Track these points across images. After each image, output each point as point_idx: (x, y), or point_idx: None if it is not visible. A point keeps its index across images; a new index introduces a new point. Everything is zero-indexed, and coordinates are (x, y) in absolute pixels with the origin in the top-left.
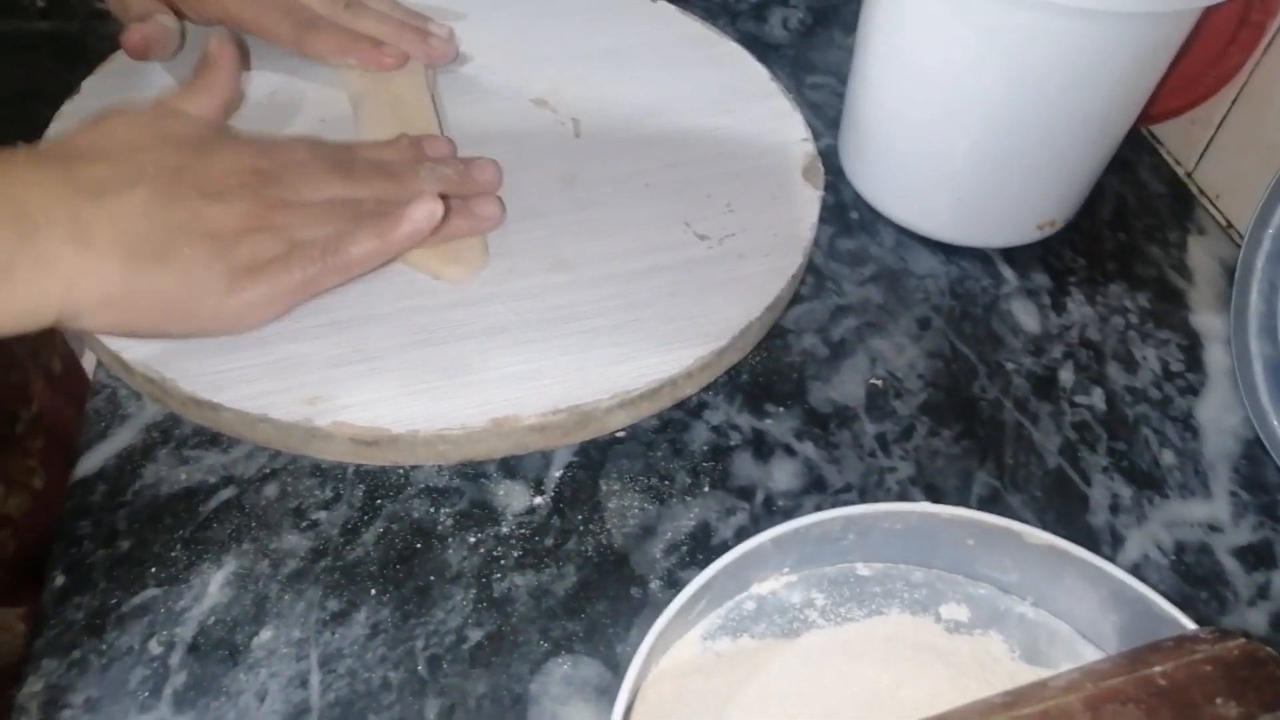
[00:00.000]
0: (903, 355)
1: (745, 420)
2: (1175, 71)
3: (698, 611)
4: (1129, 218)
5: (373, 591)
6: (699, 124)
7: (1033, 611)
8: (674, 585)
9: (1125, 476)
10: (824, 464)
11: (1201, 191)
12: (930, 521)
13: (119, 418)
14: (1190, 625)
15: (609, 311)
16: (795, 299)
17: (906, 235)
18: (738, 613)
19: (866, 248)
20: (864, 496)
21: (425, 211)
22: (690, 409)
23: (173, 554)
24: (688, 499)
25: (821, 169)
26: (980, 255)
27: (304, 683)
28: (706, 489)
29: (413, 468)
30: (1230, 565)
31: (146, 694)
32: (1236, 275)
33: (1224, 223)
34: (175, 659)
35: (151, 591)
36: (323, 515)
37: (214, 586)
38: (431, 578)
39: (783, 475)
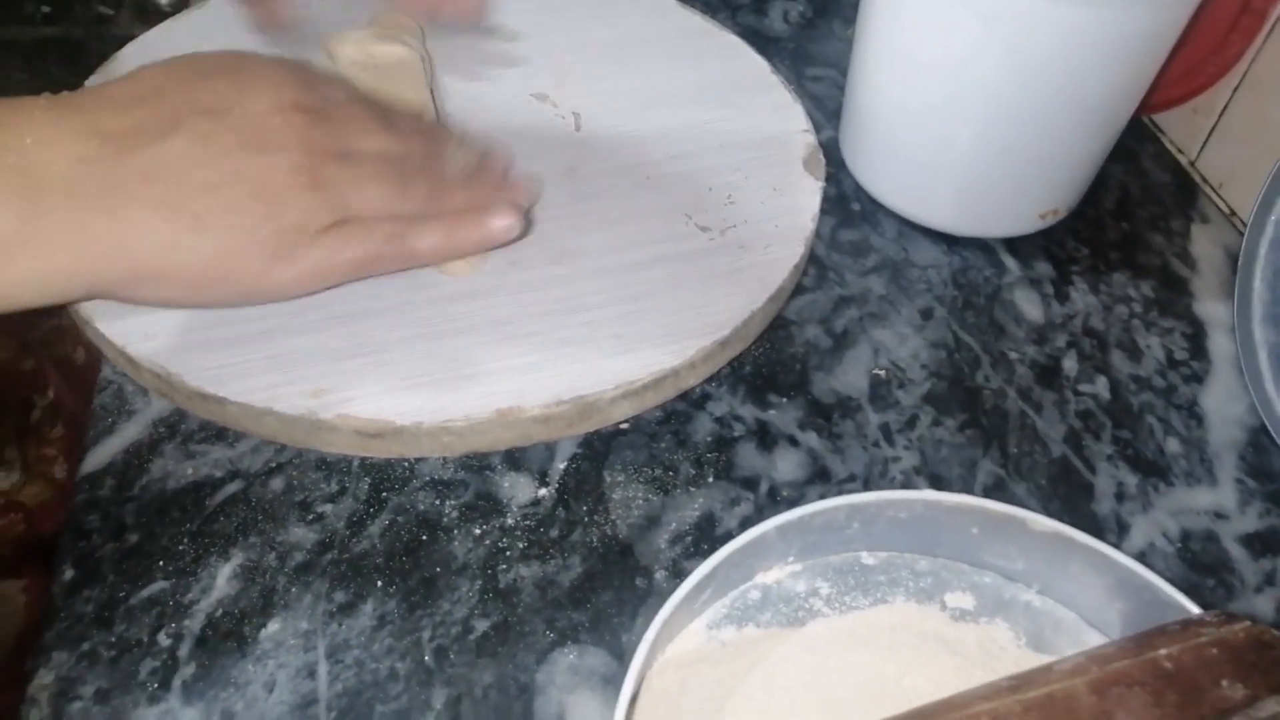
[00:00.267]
0: (906, 345)
1: (749, 411)
2: (1177, 59)
3: (702, 601)
4: (1132, 206)
5: (379, 583)
6: (700, 116)
7: (1038, 599)
8: (679, 575)
9: (1130, 464)
10: (828, 454)
11: (1205, 180)
12: (935, 509)
13: (126, 413)
14: (1196, 611)
15: (611, 303)
16: (798, 290)
17: (908, 226)
18: (743, 602)
19: (868, 239)
20: (868, 486)
21: (504, 225)
22: (694, 400)
23: (180, 547)
24: (692, 490)
25: (823, 160)
26: (982, 245)
27: (312, 673)
28: (711, 480)
29: (418, 460)
30: (1237, 552)
31: (156, 685)
32: (1240, 262)
33: (1227, 210)
34: (184, 650)
35: (160, 584)
36: (329, 508)
37: (221, 579)
38: (437, 569)
39: (787, 466)
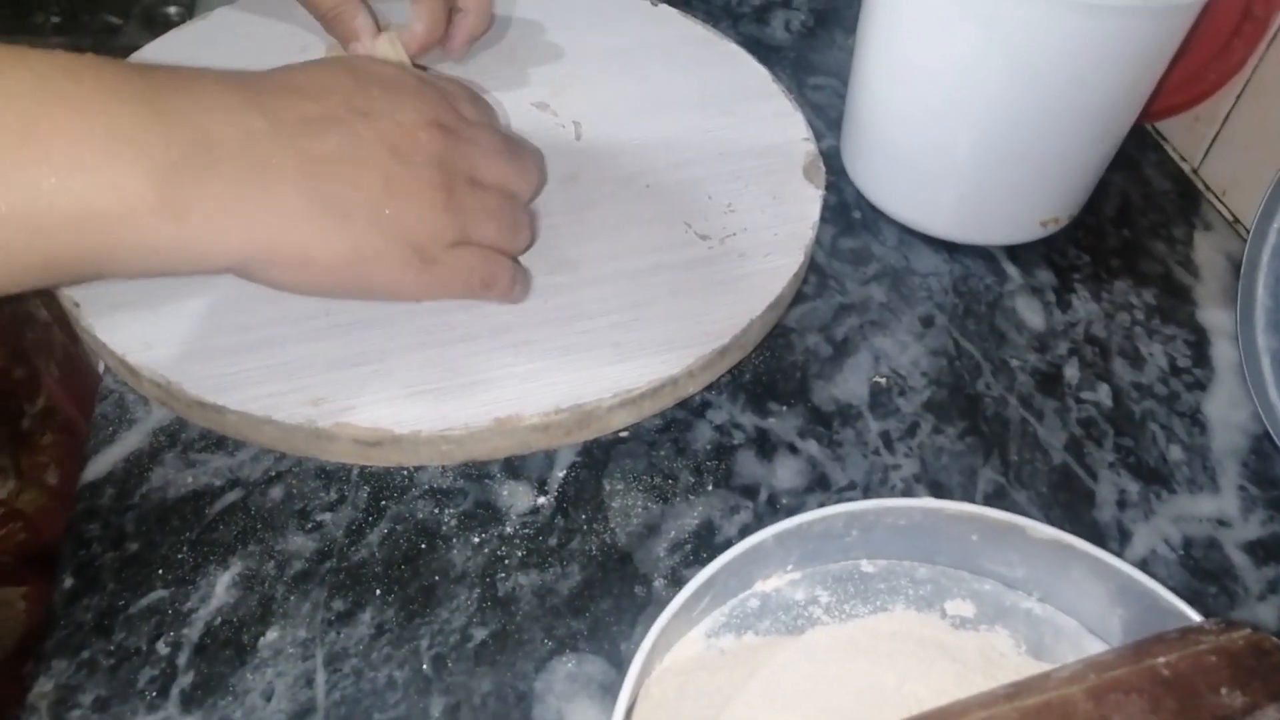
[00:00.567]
0: (906, 353)
1: (748, 419)
2: (1178, 67)
3: (701, 609)
4: (1134, 214)
5: (378, 592)
6: (700, 125)
7: (1039, 607)
8: (678, 583)
9: (1132, 472)
10: (828, 462)
11: (1207, 187)
12: (934, 517)
13: (126, 422)
14: (1198, 619)
15: (611, 311)
16: (798, 298)
17: (909, 234)
18: (741, 610)
19: (869, 247)
20: (868, 494)
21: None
22: (693, 408)
23: (180, 556)
24: (691, 498)
25: (823, 168)
26: (983, 253)
27: (310, 682)
28: (710, 488)
29: (417, 469)
30: (1239, 560)
31: (154, 694)
32: (1243, 270)
33: (1230, 218)
34: (183, 659)
35: (159, 593)
36: (328, 517)
37: (220, 588)
38: (436, 578)
39: (786, 474)
